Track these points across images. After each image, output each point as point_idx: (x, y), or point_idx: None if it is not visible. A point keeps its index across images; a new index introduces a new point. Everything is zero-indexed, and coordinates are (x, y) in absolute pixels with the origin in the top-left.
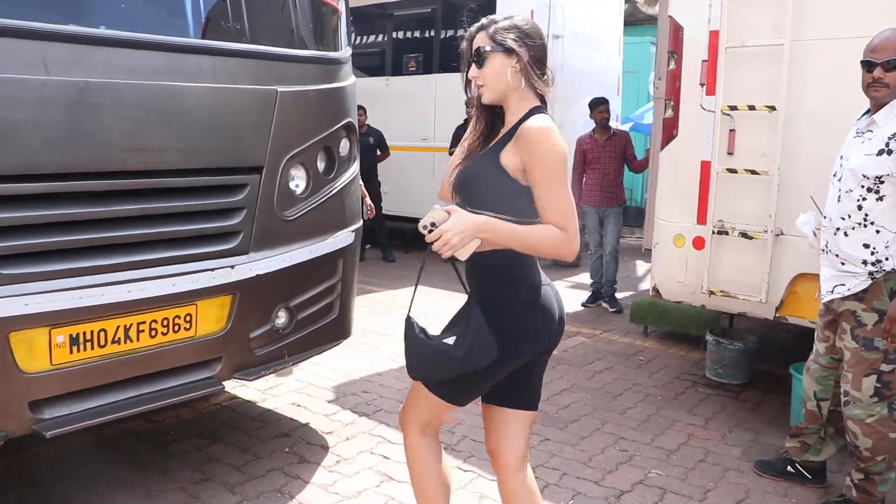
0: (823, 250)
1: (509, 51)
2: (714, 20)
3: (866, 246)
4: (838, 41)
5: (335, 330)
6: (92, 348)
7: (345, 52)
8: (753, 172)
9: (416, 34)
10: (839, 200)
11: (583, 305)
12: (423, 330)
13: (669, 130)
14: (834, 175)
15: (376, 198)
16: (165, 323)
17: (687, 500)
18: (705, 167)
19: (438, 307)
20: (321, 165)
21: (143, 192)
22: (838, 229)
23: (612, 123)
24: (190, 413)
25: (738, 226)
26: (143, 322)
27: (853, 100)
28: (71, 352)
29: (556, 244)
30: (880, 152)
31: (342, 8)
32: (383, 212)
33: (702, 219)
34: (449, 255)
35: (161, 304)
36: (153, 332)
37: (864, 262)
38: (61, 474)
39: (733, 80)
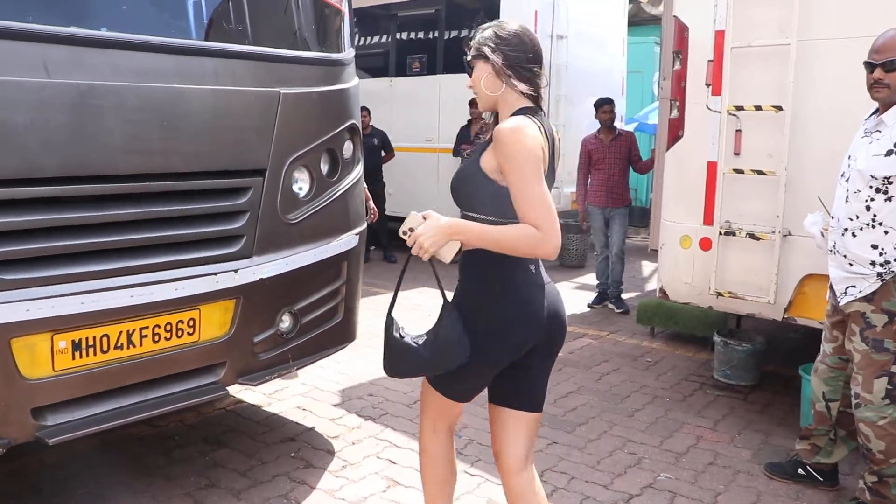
0: (831, 251)
1: (485, 58)
2: (720, 20)
3: (875, 247)
4: (845, 41)
5: (340, 333)
6: (94, 354)
7: (348, 53)
8: (760, 173)
9: (420, 35)
10: (847, 201)
11: (589, 307)
12: (399, 329)
13: (675, 131)
14: (842, 175)
15: (380, 199)
16: (168, 328)
17: (697, 503)
18: (711, 168)
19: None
20: (325, 168)
21: (144, 196)
22: (846, 230)
23: (617, 124)
24: (194, 417)
25: (745, 226)
26: (146, 327)
27: (860, 99)
28: (73, 358)
29: (531, 243)
30: (889, 153)
31: (345, 9)
32: (387, 213)
33: (708, 220)
34: (426, 257)
35: (164, 309)
36: (156, 338)
37: (873, 263)
38: (65, 480)
39: (739, 81)
